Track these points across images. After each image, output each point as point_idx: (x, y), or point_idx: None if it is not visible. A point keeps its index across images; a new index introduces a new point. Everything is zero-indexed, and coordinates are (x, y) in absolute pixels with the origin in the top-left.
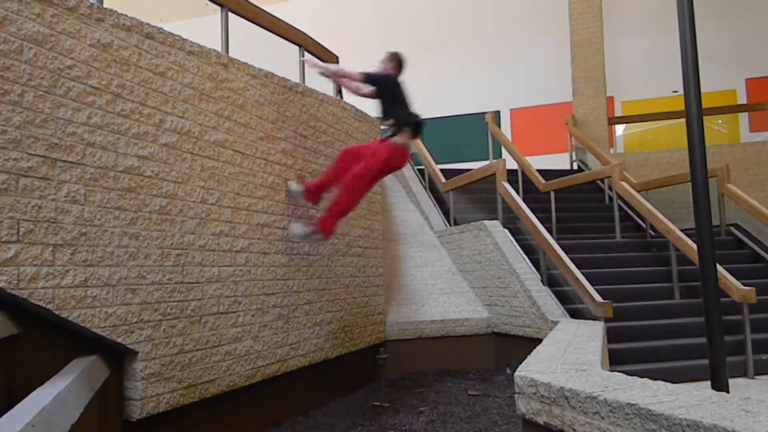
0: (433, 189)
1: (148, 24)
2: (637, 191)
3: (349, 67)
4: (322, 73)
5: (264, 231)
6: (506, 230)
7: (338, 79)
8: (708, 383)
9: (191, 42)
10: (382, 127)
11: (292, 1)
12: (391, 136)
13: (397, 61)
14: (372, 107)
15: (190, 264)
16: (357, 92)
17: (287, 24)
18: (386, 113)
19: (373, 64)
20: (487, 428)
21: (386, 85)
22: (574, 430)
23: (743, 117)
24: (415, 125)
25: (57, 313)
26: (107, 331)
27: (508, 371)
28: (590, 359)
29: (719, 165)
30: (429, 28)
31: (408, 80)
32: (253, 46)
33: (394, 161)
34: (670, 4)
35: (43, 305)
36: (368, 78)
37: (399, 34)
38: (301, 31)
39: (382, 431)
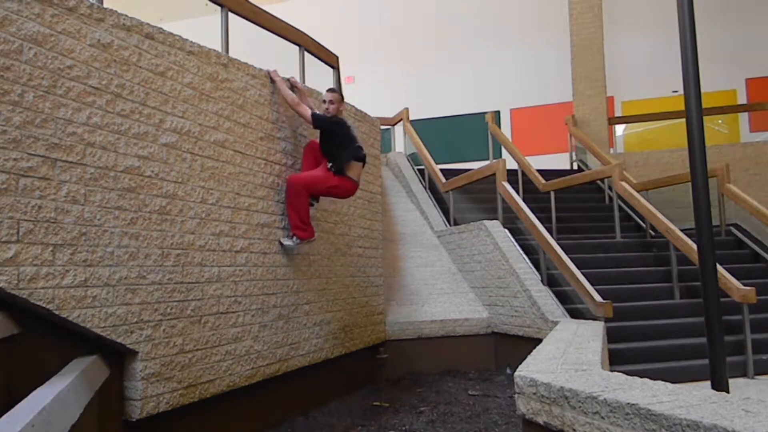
0: (433, 189)
1: (148, 24)
2: (637, 191)
3: (301, 103)
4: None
5: (264, 231)
6: (506, 230)
7: (292, 107)
8: (708, 383)
9: (191, 42)
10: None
11: (292, 1)
12: (337, 171)
13: (342, 101)
14: (370, 107)
15: (190, 264)
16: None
17: (287, 24)
18: (330, 154)
19: (323, 99)
20: (487, 428)
21: (330, 131)
22: (574, 430)
23: (743, 117)
24: (360, 158)
25: (57, 313)
26: (107, 331)
27: (508, 371)
28: (590, 359)
29: (719, 165)
30: (429, 28)
31: (409, 80)
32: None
33: (340, 190)
34: (670, 4)
35: (43, 305)
36: (315, 122)
37: (399, 35)
38: (301, 31)
39: (382, 431)
